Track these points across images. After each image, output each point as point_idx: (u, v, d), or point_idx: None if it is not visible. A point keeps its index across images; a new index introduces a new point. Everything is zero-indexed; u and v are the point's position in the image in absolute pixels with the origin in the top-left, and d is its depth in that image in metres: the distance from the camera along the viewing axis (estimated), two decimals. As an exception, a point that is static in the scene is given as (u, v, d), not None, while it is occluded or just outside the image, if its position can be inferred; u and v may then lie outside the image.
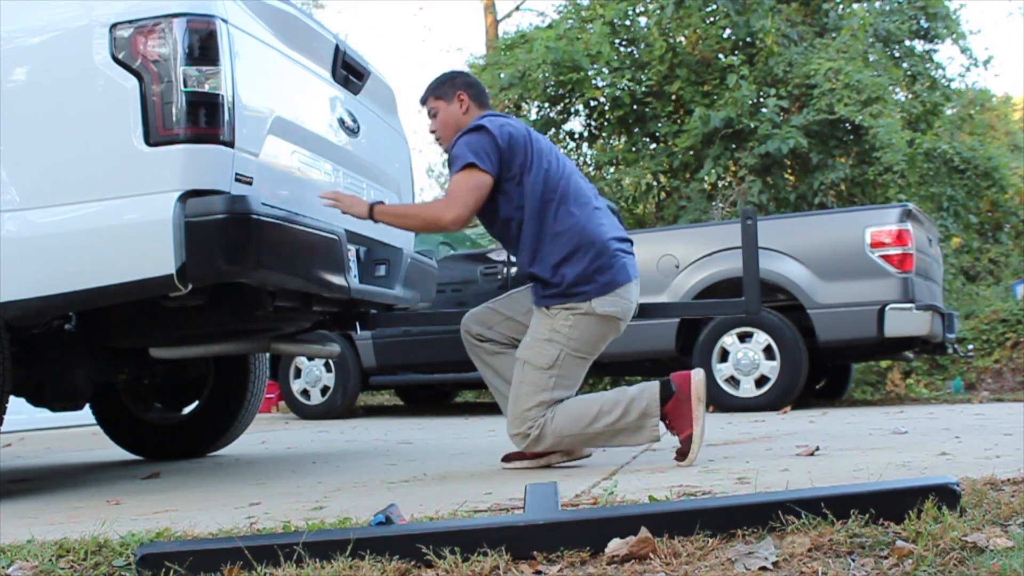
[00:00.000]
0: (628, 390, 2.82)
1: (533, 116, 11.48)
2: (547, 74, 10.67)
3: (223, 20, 2.55)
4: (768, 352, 5.67)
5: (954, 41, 11.74)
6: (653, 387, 2.79)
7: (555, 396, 2.82)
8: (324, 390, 7.08)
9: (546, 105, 11.41)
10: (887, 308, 5.47)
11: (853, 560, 1.49)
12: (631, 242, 2.98)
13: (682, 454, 2.79)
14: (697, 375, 2.80)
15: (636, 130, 11.30)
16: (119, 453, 4.41)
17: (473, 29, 38.91)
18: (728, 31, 10.78)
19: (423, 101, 3.06)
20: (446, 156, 3.02)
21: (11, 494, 2.97)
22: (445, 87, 3.02)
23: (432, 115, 3.04)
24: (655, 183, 11.42)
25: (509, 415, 2.87)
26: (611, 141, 11.73)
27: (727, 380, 5.72)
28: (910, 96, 11.45)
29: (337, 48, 3.24)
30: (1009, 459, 2.45)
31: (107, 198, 2.52)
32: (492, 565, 1.55)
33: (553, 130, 11.50)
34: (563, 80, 10.66)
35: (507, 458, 3.04)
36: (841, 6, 11.39)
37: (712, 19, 10.83)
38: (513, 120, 2.96)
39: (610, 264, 2.83)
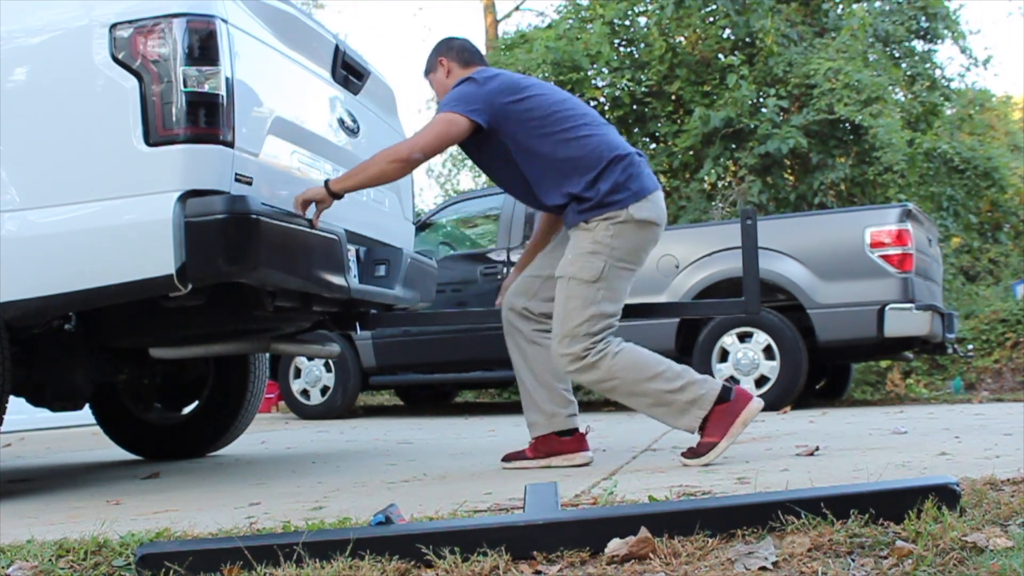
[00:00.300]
0: (693, 372, 2.81)
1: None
2: (547, 74, 10.67)
3: (223, 20, 2.55)
4: (768, 352, 5.66)
5: (954, 41, 11.75)
6: (716, 384, 2.79)
7: (604, 310, 2.79)
8: (324, 390, 7.08)
9: (546, 105, 11.40)
10: (887, 308, 5.48)
11: (853, 560, 1.49)
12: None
13: (694, 454, 2.76)
14: (758, 402, 2.79)
15: (636, 130, 11.30)
16: (119, 453, 4.41)
17: (473, 29, 38.82)
18: (728, 31, 10.78)
19: (425, 76, 3.15)
20: None
21: (11, 494, 2.97)
22: (431, 59, 3.10)
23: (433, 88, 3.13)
24: (655, 183, 11.40)
25: (558, 335, 2.82)
26: (611, 141, 11.72)
27: (727, 380, 5.72)
28: (910, 96, 11.45)
29: (337, 48, 3.24)
30: (1009, 459, 2.45)
31: (107, 198, 2.52)
32: (492, 565, 1.55)
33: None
34: (563, 80, 10.66)
35: (507, 458, 3.04)
36: (841, 6, 11.39)
37: (712, 19, 10.83)
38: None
39: (639, 172, 2.85)
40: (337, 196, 2.81)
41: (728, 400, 2.76)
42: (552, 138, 2.81)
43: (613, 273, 2.81)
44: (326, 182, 2.80)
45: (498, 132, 2.83)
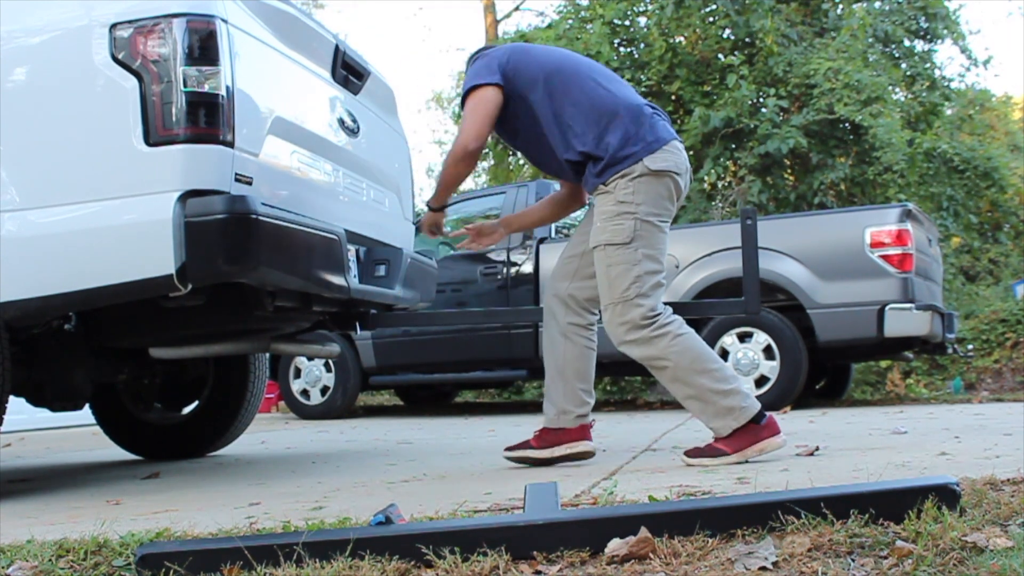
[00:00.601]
0: (740, 381, 2.81)
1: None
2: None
3: (223, 20, 2.55)
4: (768, 352, 5.67)
5: (954, 41, 11.75)
6: (756, 404, 2.78)
7: (647, 268, 2.77)
8: (324, 390, 7.09)
9: (546, 105, 11.41)
10: (887, 308, 5.48)
11: (853, 560, 1.49)
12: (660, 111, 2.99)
13: (699, 454, 2.76)
14: (783, 439, 2.77)
15: (636, 130, 11.29)
16: (119, 453, 4.41)
17: (473, 29, 38.91)
18: (728, 31, 10.78)
19: None
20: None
21: (11, 494, 2.97)
22: (465, 71, 3.15)
23: None
24: (655, 183, 11.40)
25: (609, 305, 2.79)
26: (611, 141, 11.73)
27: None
28: (909, 96, 11.46)
29: (337, 48, 3.24)
30: (1009, 459, 2.45)
31: (107, 198, 2.52)
32: (492, 565, 1.55)
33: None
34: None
35: (510, 447, 3.05)
36: (841, 6, 11.39)
37: (712, 19, 10.83)
38: None
39: (651, 124, 2.83)
40: (441, 209, 3.10)
41: (758, 424, 2.74)
42: (561, 91, 2.83)
43: (645, 230, 2.78)
44: (429, 206, 3.08)
45: (513, 94, 2.85)
